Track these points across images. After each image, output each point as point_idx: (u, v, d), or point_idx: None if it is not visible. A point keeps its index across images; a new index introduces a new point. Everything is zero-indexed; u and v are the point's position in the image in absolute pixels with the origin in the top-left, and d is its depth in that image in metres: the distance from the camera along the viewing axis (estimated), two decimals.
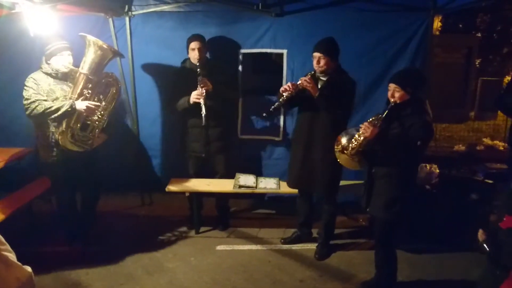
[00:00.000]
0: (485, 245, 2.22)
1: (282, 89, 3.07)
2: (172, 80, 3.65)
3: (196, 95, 3.34)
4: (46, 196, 3.82)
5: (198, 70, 3.36)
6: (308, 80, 2.99)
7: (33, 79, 2.96)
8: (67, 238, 3.43)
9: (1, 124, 4.16)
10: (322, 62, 3.02)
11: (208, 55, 3.67)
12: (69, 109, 2.89)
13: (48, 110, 2.87)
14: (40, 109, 2.87)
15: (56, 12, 2.76)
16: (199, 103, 3.33)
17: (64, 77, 3.04)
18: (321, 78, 3.10)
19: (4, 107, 4.13)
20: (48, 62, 2.98)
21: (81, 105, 2.92)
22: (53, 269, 3.16)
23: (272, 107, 3.08)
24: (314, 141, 3.16)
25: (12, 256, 1.73)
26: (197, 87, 3.34)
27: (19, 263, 1.76)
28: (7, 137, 4.10)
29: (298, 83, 3.02)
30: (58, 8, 2.83)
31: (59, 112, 2.88)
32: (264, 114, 3.17)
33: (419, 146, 2.47)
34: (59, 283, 3.03)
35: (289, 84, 3.05)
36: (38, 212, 3.86)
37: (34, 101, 2.89)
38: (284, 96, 3.03)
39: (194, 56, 3.42)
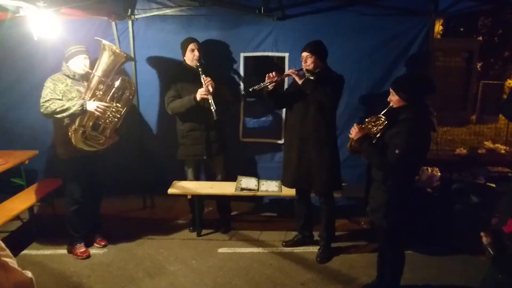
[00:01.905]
0: (489, 248, 2.21)
1: (268, 74, 3.16)
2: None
3: (204, 91, 3.34)
4: (49, 198, 3.83)
5: (200, 69, 3.39)
6: (293, 70, 3.12)
7: (52, 79, 3.08)
8: (68, 241, 3.43)
9: (5, 126, 4.19)
10: (309, 60, 3.09)
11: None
12: (79, 109, 2.98)
13: (59, 109, 2.98)
14: (53, 107, 2.98)
15: (59, 16, 2.80)
16: (204, 105, 3.34)
17: (82, 78, 3.16)
18: (310, 78, 3.14)
19: (7, 109, 4.16)
20: (67, 64, 3.10)
21: (91, 105, 3.02)
22: (54, 271, 3.17)
23: (253, 87, 3.15)
24: (307, 139, 3.20)
25: (12, 261, 1.74)
26: (202, 85, 3.35)
27: (19, 269, 1.77)
28: (10, 139, 4.13)
29: (283, 73, 3.16)
30: (61, 12, 2.86)
31: (69, 111, 2.98)
32: (242, 93, 3.21)
33: (396, 154, 2.38)
34: (60, 285, 3.04)
35: (274, 72, 3.14)
36: (40, 215, 3.87)
37: (48, 100, 3.00)
38: (267, 81, 3.13)
39: (193, 56, 3.46)
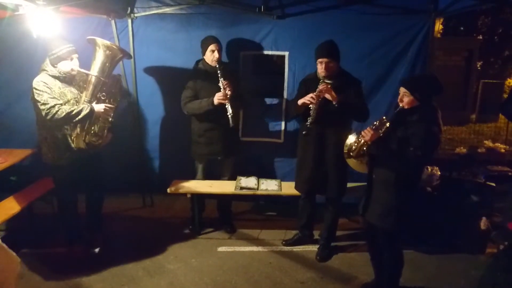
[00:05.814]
0: (498, 239, 2.20)
1: (305, 101, 3.02)
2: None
3: (222, 96, 3.28)
4: (48, 197, 3.82)
5: (219, 71, 3.31)
6: (327, 89, 2.96)
7: (44, 82, 2.90)
8: (67, 240, 3.42)
9: (4, 124, 4.18)
10: (331, 66, 3.02)
11: None
12: (89, 112, 2.92)
13: (70, 114, 2.88)
14: (61, 113, 2.86)
15: (59, 14, 2.78)
16: (222, 105, 3.29)
17: (71, 80, 3.05)
18: (326, 81, 3.04)
19: (6, 106, 4.16)
20: (55, 65, 2.95)
21: (99, 107, 2.98)
22: (54, 270, 3.17)
23: (308, 123, 3.04)
24: (326, 146, 3.14)
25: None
26: (220, 88, 3.29)
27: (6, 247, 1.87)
28: (9, 136, 4.12)
29: (318, 94, 2.98)
30: (61, 10, 2.85)
31: (80, 116, 2.90)
32: (303, 132, 3.12)
33: (418, 155, 2.38)
34: (60, 284, 3.03)
35: (312, 95, 2.98)
36: (39, 214, 3.87)
37: (53, 106, 2.85)
38: (312, 109, 3.01)
39: (213, 57, 3.37)
